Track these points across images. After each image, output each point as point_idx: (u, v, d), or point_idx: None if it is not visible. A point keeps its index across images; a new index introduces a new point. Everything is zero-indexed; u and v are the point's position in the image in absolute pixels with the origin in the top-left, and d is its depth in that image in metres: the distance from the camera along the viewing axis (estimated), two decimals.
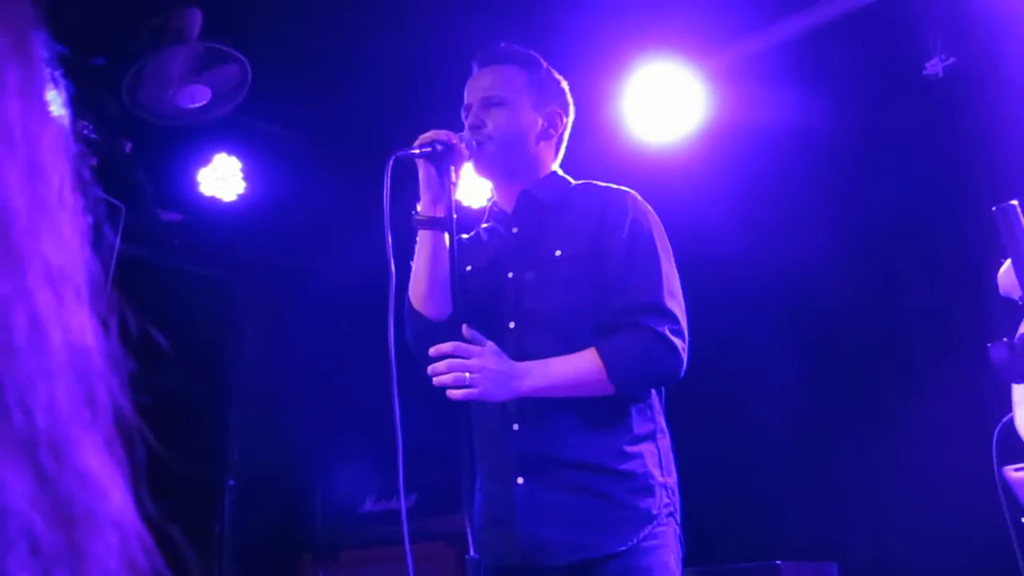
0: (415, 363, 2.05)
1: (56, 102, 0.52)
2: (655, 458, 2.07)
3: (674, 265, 2.13)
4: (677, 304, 2.06)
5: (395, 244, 1.94)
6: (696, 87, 4.22)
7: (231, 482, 4.96)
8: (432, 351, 1.97)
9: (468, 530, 1.86)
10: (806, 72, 4.09)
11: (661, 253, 2.10)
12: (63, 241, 0.47)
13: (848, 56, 4.03)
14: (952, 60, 3.74)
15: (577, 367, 1.98)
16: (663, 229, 2.16)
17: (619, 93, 4.32)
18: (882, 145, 4.07)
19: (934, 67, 3.77)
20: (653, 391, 2.12)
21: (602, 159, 4.34)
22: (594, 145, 4.38)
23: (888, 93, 4.02)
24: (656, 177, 4.24)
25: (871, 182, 4.07)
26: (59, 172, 0.49)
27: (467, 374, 1.91)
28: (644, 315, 2.01)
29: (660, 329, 1.99)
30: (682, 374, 2.04)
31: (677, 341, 2.01)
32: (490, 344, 1.99)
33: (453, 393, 1.93)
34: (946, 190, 3.83)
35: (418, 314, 2.12)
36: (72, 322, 0.46)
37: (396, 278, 1.94)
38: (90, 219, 0.51)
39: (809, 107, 4.02)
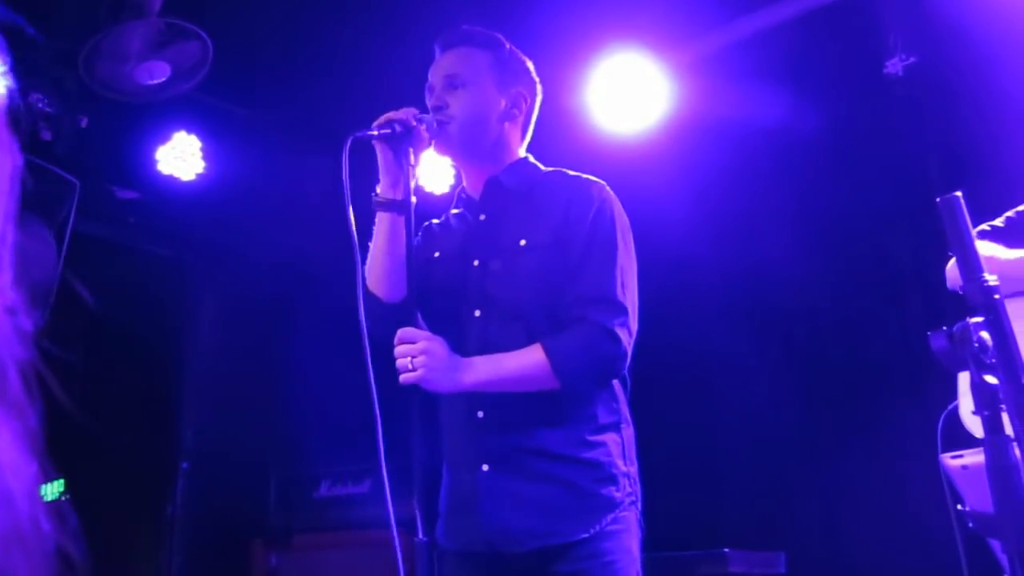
0: (373, 347, 2.04)
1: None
2: (619, 447, 2.06)
3: (633, 258, 2.12)
4: (629, 298, 2.05)
5: (358, 225, 1.93)
6: (660, 79, 4.24)
7: (185, 464, 4.91)
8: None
9: (417, 514, 1.85)
10: (768, 69, 4.12)
11: (620, 246, 2.08)
12: None
13: (810, 54, 4.07)
14: (912, 59, 3.79)
15: (522, 363, 1.97)
16: (627, 221, 2.14)
17: (584, 82, 4.32)
18: (842, 141, 4.11)
19: (894, 66, 3.82)
20: (617, 382, 2.10)
21: (564, 147, 4.35)
22: (557, 133, 4.38)
23: (849, 91, 4.07)
24: (618, 167, 4.26)
25: (831, 178, 4.12)
26: None
27: (410, 359, 1.91)
28: (594, 307, 2.01)
29: (607, 323, 1.98)
30: (626, 367, 2.04)
31: (623, 334, 1.99)
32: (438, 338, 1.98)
33: (402, 377, 1.93)
34: (904, 186, 3.89)
35: (372, 295, 2.12)
36: None
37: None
38: (13, 163, 0.48)
39: (771, 103, 4.05)
